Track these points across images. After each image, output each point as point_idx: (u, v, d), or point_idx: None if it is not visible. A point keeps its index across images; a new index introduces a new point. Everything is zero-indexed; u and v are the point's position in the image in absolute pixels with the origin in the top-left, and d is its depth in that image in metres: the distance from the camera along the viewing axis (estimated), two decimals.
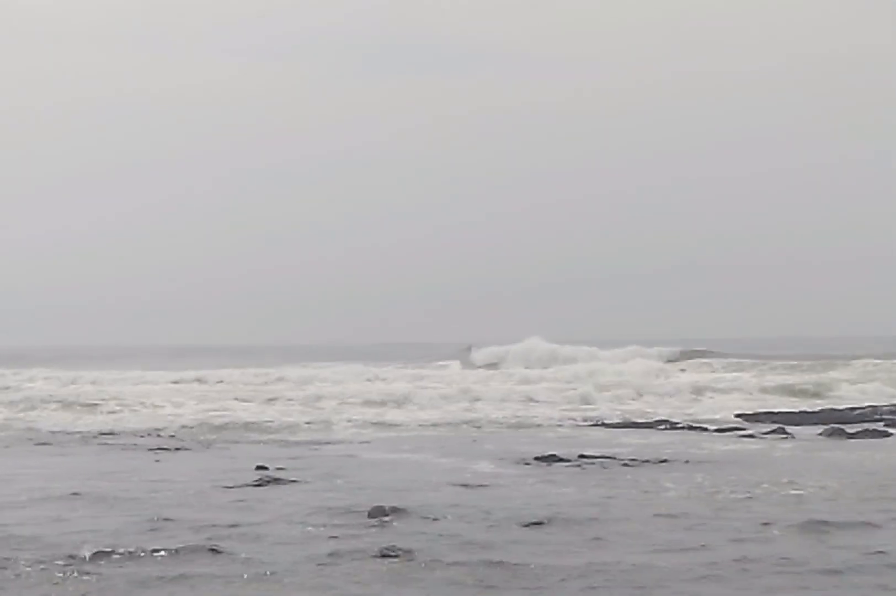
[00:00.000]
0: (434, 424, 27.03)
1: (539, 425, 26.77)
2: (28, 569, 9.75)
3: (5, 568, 9.80)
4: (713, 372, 42.67)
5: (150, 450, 21.15)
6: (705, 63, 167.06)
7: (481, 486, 15.15)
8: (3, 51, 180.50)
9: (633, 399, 33.60)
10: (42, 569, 9.75)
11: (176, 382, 40.37)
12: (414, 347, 76.52)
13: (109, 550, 10.42)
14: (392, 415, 30.03)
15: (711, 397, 34.25)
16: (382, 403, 32.89)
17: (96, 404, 32.10)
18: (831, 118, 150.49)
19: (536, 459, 18.02)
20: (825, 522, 11.67)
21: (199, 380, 41.58)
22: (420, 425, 26.80)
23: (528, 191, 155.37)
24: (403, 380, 41.06)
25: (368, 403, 33.16)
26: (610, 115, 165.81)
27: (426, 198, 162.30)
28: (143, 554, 10.35)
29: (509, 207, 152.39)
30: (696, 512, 12.80)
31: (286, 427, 26.15)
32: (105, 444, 22.67)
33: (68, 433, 24.83)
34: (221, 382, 41.04)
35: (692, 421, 26.87)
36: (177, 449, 21.37)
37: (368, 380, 41.35)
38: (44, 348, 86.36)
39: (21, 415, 30.02)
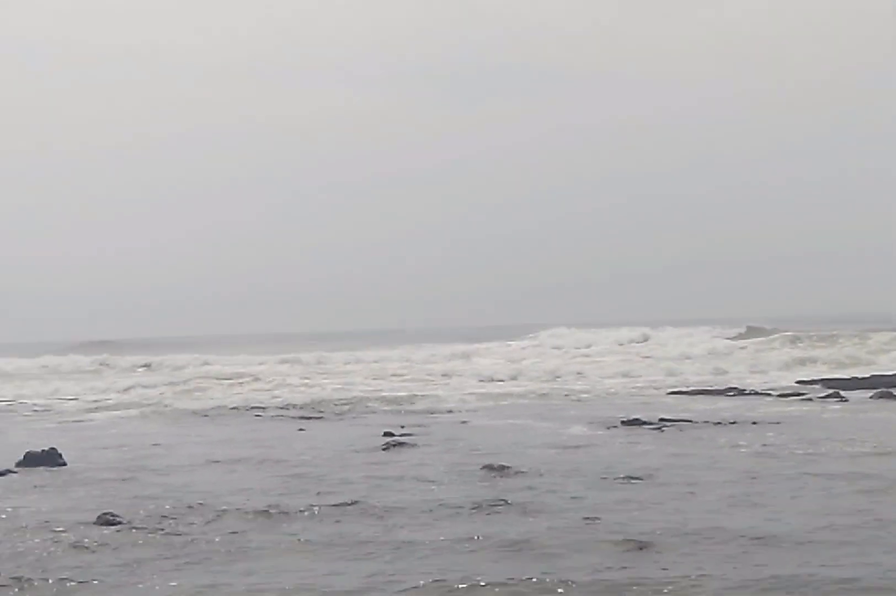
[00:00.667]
0: (530, 394, 27.19)
1: (617, 393, 26.81)
2: (200, 525, 10.10)
3: (179, 524, 10.18)
4: (773, 348, 42.19)
5: (294, 420, 21.52)
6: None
7: (576, 446, 15.37)
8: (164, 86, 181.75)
9: (704, 371, 33.37)
10: (210, 524, 10.13)
11: (320, 363, 41.27)
12: (500, 329, 75.61)
13: (266, 507, 10.77)
14: (492, 386, 30.34)
15: (774, 367, 33.97)
16: (485, 376, 33.25)
17: (244, 383, 32.70)
18: None
19: (623, 422, 18.16)
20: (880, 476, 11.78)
21: (320, 361, 42.34)
22: (518, 395, 26.94)
23: (599, 194, 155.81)
24: (496, 356, 41.43)
25: (473, 376, 33.60)
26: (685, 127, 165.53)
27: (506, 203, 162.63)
28: (299, 509, 10.69)
29: (583, 208, 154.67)
30: (769, 466, 12.88)
31: (405, 399, 26.45)
32: (257, 416, 22.99)
33: (225, 407, 25.30)
34: (348, 363, 41.54)
35: (757, 388, 26.65)
36: (316, 418, 21.75)
37: (468, 357, 41.69)
38: (190, 336, 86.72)
39: (184, 393, 30.65)
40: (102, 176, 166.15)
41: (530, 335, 50.27)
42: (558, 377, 32.60)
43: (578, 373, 33.63)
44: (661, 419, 18.53)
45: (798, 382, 27.74)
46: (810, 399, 23.15)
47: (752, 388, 26.60)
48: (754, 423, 18.09)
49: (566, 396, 26.42)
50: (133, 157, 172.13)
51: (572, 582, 7.40)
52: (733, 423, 18.10)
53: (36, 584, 7.91)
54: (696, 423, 18.23)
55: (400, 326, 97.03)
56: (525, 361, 38.50)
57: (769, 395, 24.77)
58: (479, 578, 7.57)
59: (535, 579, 7.52)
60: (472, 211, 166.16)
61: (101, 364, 45.13)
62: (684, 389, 27.01)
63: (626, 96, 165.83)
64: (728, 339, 45.96)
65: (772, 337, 43.75)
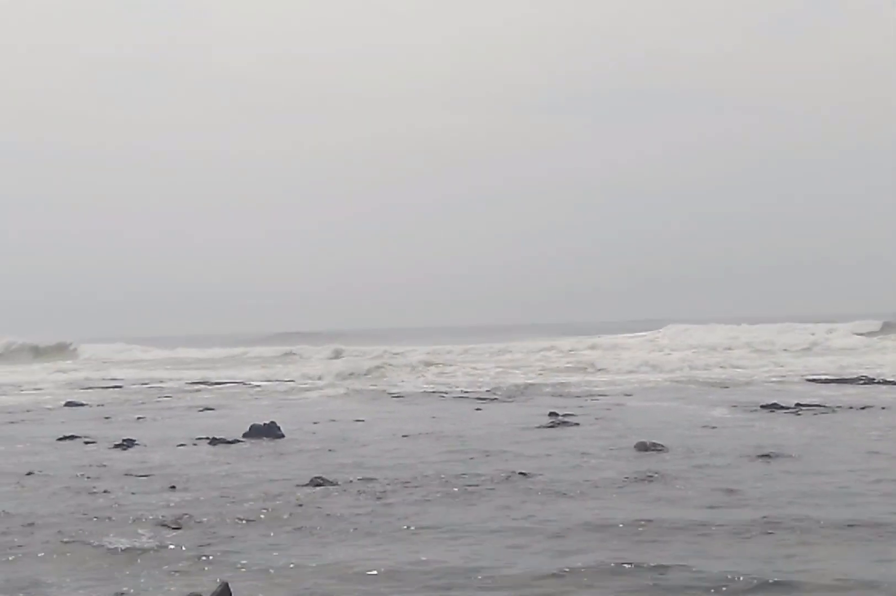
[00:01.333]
0: (673, 381, 26.88)
1: (751, 381, 26.21)
2: (387, 487, 10.47)
3: (376, 487, 10.54)
4: None
5: (472, 401, 21.77)
6: None
7: (720, 427, 15.24)
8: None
9: (836, 363, 32.29)
10: (395, 489, 10.42)
11: (488, 353, 41.19)
12: (618, 324, 73.32)
13: (447, 477, 11.08)
14: (638, 374, 30.18)
15: None
16: (630, 365, 33.06)
17: (428, 369, 33.28)
18: None
19: (762, 406, 17.95)
20: None
21: (487, 352, 42.46)
22: (661, 382, 26.68)
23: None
24: (634, 348, 40.85)
25: (618, 364, 33.45)
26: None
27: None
28: (477, 478, 10.95)
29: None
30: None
31: (565, 384, 26.58)
32: (441, 397, 23.29)
33: (414, 391, 25.81)
34: (510, 351, 41.61)
35: (887, 377, 25.73)
36: (491, 400, 21.97)
37: (614, 348, 41.27)
38: (373, 328, 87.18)
39: (378, 378, 31.40)
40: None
41: (655, 330, 49.06)
42: (693, 368, 31.84)
43: (711, 363, 32.95)
44: (798, 404, 18.20)
45: None
46: None
47: (880, 378, 25.58)
48: (883, 408, 17.62)
49: (706, 383, 26.00)
50: None
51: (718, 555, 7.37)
52: (864, 408, 17.63)
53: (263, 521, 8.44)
54: (830, 407, 17.80)
55: (528, 319, 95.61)
56: (656, 353, 37.78)
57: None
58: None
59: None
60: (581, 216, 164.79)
61: (288, 354, 46.24)
62: (817, 378, 26.31)
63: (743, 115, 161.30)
64: (861, 335, 44.09)
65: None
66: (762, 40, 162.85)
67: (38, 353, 54.62)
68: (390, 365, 34.06)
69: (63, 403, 23.95)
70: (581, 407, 19.25)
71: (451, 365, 34.68)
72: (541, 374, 31.26)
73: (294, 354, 45.72)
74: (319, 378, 31.36)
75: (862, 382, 24.59)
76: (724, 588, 6.37)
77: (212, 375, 35.05)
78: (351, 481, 10.84)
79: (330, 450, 13.69)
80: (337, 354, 42.52)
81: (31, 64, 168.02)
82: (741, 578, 6.52)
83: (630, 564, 6.98)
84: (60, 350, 55.41)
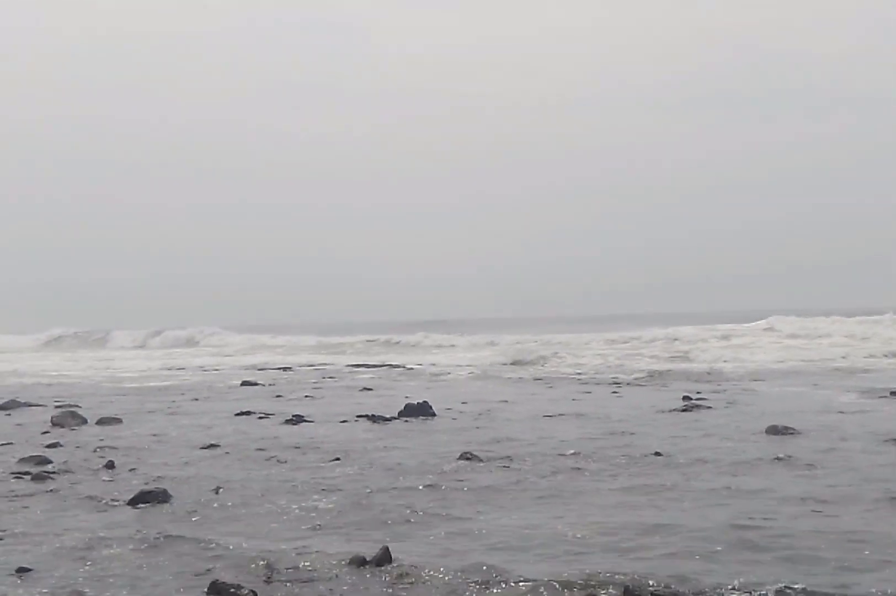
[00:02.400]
0: (798, 368, 26.03)
1: (872, 369, 25.01)
2: (535, 464, 10.44)
3: (519, 462, 10.54)
4: None
5: (609, 386, 21.55)
6: None
7: (850, 412, 14.65)
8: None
9: None
10: (536, 463, 10.45)
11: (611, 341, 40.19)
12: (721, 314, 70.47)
13: (579, 451, 11.04)
14: (762, 360, 29.21)
15: None
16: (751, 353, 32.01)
17: (565, 356, 32.86)
18: None
19: (892, 393, 17.17)
20: None
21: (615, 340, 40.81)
22: (787, 369, 25.86)
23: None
24: (749, 336, 39.26)
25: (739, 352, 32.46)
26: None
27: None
28: (610, 456, 10.83)
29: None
30: None
31: (696, 370, 26.05)
32: (581, 382, 23.12)
33: (554, 375, 25.87)
34: (636, 339, 40.20)
35: None
36: (627, 385, 21.74)
37: (726, 337, 39.64)
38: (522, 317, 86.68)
39: (523, 362, 31.53)
40: None
41: (759, 320, 46.85)
42: (813, 360, 30.50)
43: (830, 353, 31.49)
44: None
45: None
46: None
47: None
48: None
49: (833, 369, 25.11)
50: None
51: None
52: None
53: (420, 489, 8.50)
54: None
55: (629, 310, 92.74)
56: (770, 342, 36.32)
57: None
58: (768, 522, 7.46)
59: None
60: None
61: (426, 338, 46.51)
62: None
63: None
64: None
65: None
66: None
67: (190, 341, 56.55)
68: (525, 349, 33.96)
69: (239, 382, 24.73)
70: (715, 392, 18.75)
71: (582, 352, 34.19)
72: (669, 360, 30.61)
73: (429, 339, 45.97)
74: (465, 364, 31.39)
75: None
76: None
77: (366, 360, 35.66)
78: (498, 456, 10.82)
79: (477, 427, 13.70)
80: (477, 342, 42.65)
81: None
82: None
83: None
84: (212, 335, 57.32)
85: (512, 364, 31.18)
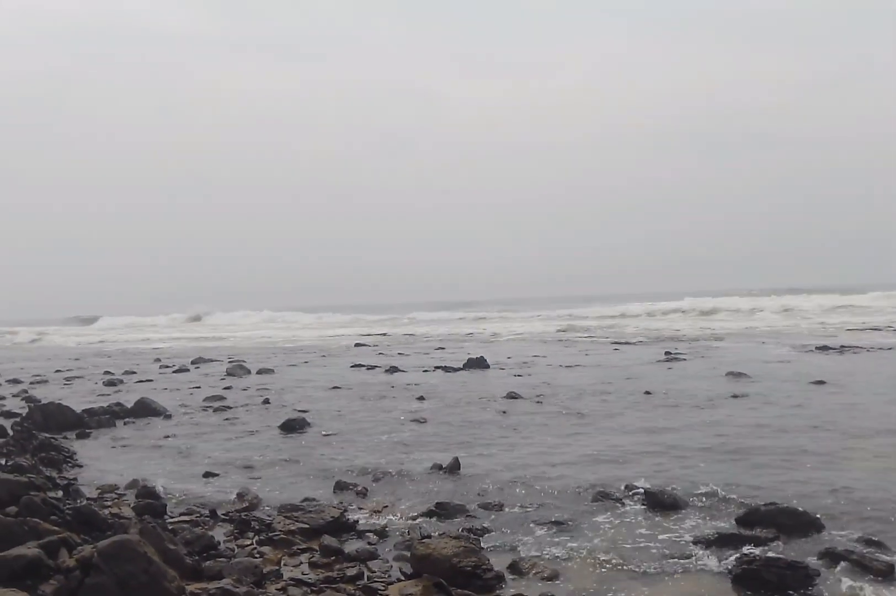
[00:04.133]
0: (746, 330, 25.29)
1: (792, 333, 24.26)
2: (553, 399, 10.22)
3: (545, 397, 10.34)
4: None
5: (607, 344, 20.73)
6: None
7: (787, 361, 14.25)
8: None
9: None
10: (558, 400, 10.21)
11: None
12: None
13: (592, 391, 10.78)
14: (731, 324, 28.35)
15: None
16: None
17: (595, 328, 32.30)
18: None
19: (816, 348, 16.42)
20: None
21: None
22: (754, 330, 25.15)
23: None
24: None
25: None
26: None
27: None
28: (607, 392, 10.63)
29: None
30: None
31: (671, 333, 25.43)
32: (592, 342, 22.68)
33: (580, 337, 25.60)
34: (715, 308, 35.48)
35: None
36: (626, 343, 20.88)
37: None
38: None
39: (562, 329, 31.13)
40: None
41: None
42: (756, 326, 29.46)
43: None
44: (842, 346, 16.74)
45: None
46: None
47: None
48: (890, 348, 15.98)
49: (771, 331, 24.27)
50: None
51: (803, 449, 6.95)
52: (890, 349, 16.06)
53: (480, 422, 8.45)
54: (868, 348, 16.21)
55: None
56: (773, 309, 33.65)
57: None
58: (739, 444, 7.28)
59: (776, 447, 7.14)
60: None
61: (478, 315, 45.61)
62: (858, 328, 24.06)
63: None
64: None
65: None
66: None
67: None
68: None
69: (353, 343, 24.94)
70: (691, 349, 18.15)
71: (612, 325, 32.97)
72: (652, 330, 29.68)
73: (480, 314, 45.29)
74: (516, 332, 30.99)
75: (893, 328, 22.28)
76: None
77: (441, 329, 35.56)
78: (532, 395, 10.73)
79: (517, 375, 13.60)
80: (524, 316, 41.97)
81: None
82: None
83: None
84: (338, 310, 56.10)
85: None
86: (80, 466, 7.13)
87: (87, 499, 5.73)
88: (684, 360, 15.23)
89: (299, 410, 9.94)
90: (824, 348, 16.30)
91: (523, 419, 8.79)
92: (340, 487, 5.91)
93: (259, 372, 15.63)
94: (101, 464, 7.22)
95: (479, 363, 15.14)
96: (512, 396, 10.59)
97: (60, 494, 5.78)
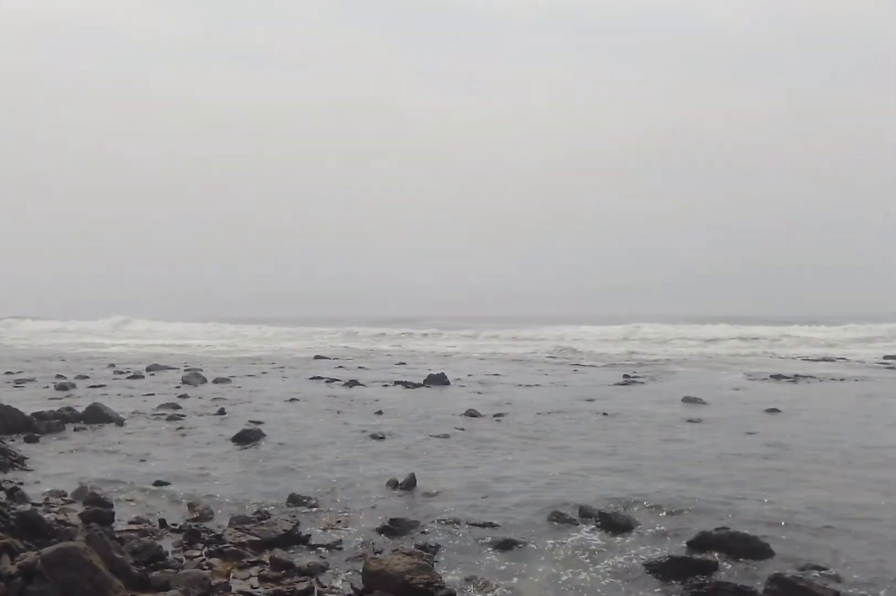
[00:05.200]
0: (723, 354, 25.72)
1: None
2: (514, 418, 10.25)
3: (503, 416, 10.34)
4: None
5: (570, 366, 21.00)
6: None
7: (741, 388, 14.48)
8: None
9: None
10: (519, 419, 10.24)
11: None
12: None
13: (548, 410, 10.89)
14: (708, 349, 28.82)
15: None
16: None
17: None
18: None
19: (770, 375, 16.94)
20: None
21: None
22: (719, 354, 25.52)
23: None
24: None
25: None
26: None
27: None
28: (571, 414, 10.71)
29: None
30: (868, 404, 11.36)
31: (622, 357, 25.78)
32: (554, 363, 22.97)
33: (540, 357, 25.55)
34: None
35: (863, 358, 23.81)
36: (641, 383, 21.20)
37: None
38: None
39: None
40: None
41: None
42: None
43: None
44: (796, 375, 17.07)
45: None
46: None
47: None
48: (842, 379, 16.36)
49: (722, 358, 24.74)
50: None
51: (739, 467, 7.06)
52: (842, 380, 16.46)
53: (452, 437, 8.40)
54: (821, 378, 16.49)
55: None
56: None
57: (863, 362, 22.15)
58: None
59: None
60: None
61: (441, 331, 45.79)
62: (811, 357, 24.65)
63: None
64: None
65: None
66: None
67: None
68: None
69: (313, 356, 24.72)
70: (649, 372, 18.43)
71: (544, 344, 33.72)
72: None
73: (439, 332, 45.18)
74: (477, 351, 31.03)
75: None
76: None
77: (398, 344, 35.47)
78: (491, 413, 10.71)
79: (477, 393, 13.60)
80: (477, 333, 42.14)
81: None
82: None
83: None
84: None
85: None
86: (28, 471, 6.93)
87: (33, 504, 5.57)
88: (642, 383, 15.40)
89: (255, 421, 9.79)
90: (778, 377, 16.58)
91: (482, 437, 8.78)
92: (294, 500, 5.84)
93: (215, 381, 15.39)
94: (49, 469, 7.03)
95: (439, 379, 15.12)
96: (471, 413, 10.57)
97: (4, 497, 5.60)
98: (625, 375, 16.75)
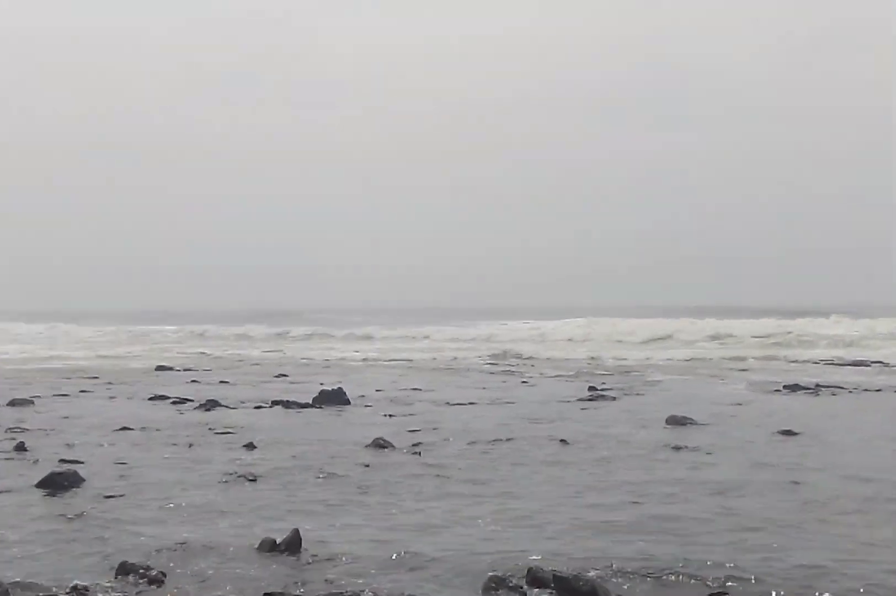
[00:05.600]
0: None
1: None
2: (433, 449, 10.40)
3: (431, 447, 10.44)
4: None
5: (509, 375, 21.64)
6: None
7: (736, 403, 14.98)
8: None
9: None
10: (442, 452, 10.39)
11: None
12: None
13: (487, 438, 11.06)
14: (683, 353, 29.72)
15: None
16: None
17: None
18: None
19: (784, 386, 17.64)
20: None
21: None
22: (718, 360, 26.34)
23: None
24: None
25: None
26: None
27: None
28: (516, 442, 10.90)
29: None
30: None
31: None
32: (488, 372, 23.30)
33: (456, 364, 25.75)
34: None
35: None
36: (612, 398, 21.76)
37: None
38: None
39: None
40: None
41: None
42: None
43: None
44: (817, 384, 17.75)
45: None
46: None
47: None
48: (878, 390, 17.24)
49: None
50: None
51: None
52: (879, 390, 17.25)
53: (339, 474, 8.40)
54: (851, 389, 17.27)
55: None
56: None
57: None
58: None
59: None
60: None
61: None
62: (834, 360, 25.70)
63: None
64: None
65: None
66: None
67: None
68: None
69: (154, 366, 24.28)
70: (619, 383, 18.89)
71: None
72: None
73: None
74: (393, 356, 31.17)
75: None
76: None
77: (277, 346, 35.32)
78: (407, 444, 10.76)
79: (388, 415, 13.66)
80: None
81: None
82: None
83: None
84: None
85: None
86: None
87: None
88: (613, 398, 15.78)
89: (69, 461, 9.54)
90: (794, 387, 17.20)
91: (394, 477, 8.80)
92: (126, 570, 5.71)
93: (11, 403, 14.94)
94: None
95: (334, 398, 15.07)
96: (379, 444, 10.59)
97: None
98: (590, 388, 17.11)
